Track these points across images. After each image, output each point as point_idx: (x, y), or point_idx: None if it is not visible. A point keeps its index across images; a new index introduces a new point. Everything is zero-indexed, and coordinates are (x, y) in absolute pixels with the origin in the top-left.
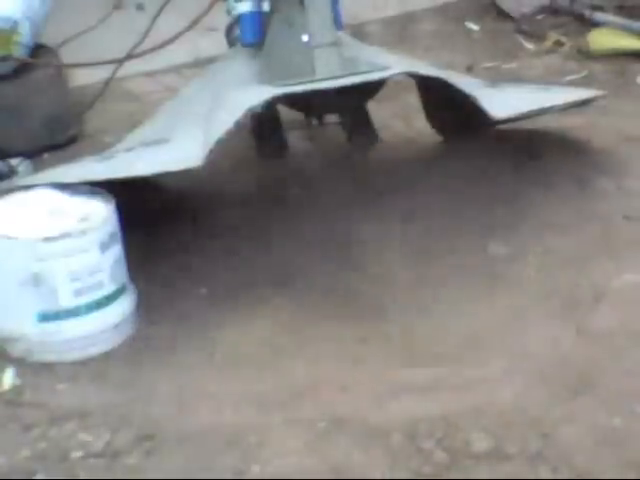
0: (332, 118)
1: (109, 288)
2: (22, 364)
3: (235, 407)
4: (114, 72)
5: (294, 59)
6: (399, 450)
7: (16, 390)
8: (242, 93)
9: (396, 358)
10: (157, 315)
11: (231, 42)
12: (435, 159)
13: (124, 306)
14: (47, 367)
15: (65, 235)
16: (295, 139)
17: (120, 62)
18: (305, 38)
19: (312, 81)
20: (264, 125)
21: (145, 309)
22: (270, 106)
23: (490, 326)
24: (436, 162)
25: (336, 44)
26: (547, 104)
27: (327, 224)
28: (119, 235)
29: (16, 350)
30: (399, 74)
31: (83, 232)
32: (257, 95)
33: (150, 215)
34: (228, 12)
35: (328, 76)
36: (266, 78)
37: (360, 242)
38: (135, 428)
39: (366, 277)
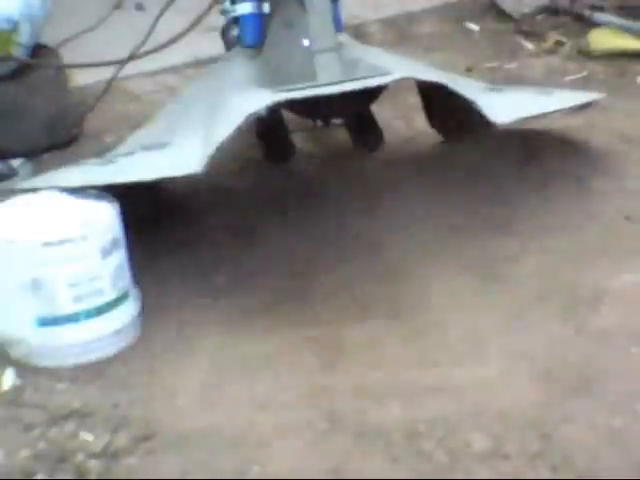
0: (337, 119)
1: (110, 295)
2: (22, 365)
3: (235, 408)
4: (116, 73)
5: (295, 63)
6: (399, 450)
7: (16, 390)
8: (242, 98)
9: (396, 358)
10: (157, 316)
11: (227, 43)
12: (435, 159)
13: (126, 312)
14: (47, 368)
15: (65, 240)
16: (300, 140)
17: (121, 63)
18: (306, 42)
19: (313, 86)
20: (270, 128)
21: (145, 310)
22: (273, 110)
23: (490, 326)
24: (436, 162)
25: (337, 49)
26: (548, 109)
27: (330, 224)
28: (122, 241)
29: (16, 353)
30: (400, 79)
31: (84, 237)
32: (257, 101)
33: (151, 215)
34: (222, 13)
35: (329, 81)
36: (266, 81)
37: (361, 242)
38: (135, 428)
39: (367, 277)
